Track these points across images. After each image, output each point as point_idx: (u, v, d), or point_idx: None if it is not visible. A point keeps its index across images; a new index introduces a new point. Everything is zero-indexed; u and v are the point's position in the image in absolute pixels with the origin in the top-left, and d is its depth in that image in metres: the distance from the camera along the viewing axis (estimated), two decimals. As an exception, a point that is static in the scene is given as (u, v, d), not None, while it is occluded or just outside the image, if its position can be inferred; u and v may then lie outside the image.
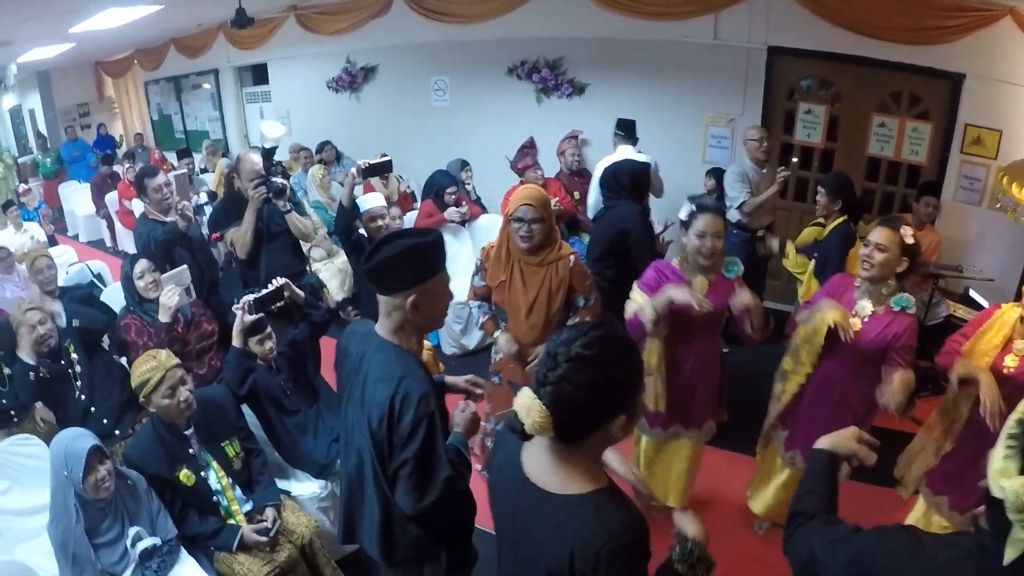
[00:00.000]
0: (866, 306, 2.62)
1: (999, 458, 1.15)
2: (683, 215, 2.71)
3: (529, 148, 5.45)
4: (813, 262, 4.22)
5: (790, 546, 1.49)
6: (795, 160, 4.36)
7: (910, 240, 2.56)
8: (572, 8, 5.24)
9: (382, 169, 3.63)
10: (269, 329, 2.91)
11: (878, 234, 2.55)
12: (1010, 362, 2.47)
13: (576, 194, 5.19)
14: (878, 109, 5.05)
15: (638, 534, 1.28)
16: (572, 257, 2.87)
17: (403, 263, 1.68)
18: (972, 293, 4.59)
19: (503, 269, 2.88)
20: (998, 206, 4.55)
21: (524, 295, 2.87)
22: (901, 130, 5.02)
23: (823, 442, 1.57)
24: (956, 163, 4.94)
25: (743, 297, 2.66)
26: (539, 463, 1.35)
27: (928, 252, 4.55)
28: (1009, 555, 1.14)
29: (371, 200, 3.78)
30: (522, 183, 4.83)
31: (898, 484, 2.82)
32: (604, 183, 3.92)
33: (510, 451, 1.43)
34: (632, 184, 3.78)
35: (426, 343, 3.17)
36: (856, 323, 2.60)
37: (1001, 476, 1.13)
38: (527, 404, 1.25)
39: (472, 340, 4.87)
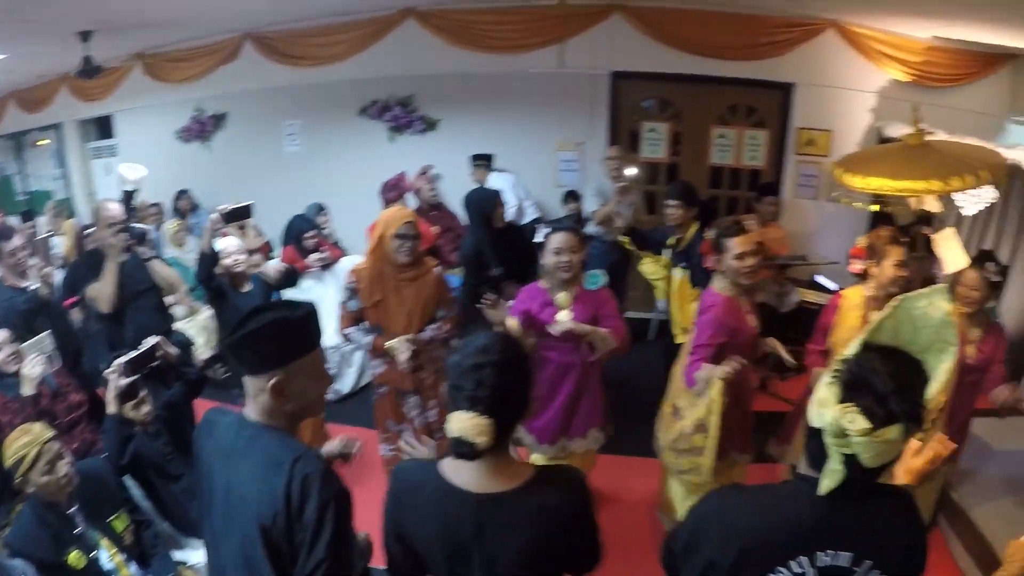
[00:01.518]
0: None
1: (821, 388, 1.31)
2: (540, 237, 2.97)
3: (397, 184, 5.61)
4: (677, 271, 4.61)
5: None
6: (636, 170, 4.72)
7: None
8: (421, 46, 5.48)
9: (243, 214, 3.69)
10: (145, 392, 2.77)
11: (738, 244, 2.79)
12: (970, 351, 2.97)
13: (435, 228, 5.40)
14: (717, 121, 5.59)
15: (579, 477, 1.55)
16: (437, 270, 3.15)
17: (266, 339, 1.50)
18: (819, 278, 5.09)
19: (378, 289, 3.05)
20: (834, 195, 5.12)
21: (402, 310, 3.05)
22: (740, 139, 5.57)
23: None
24: (793, 164, 5.54)
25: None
26: (477, 474, 1.44)
27: (776, 247, 4.96)
28: (825, 485, 1.28)
29: (226, 241, 3.78)
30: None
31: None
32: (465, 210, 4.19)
33: (427, 488, 1.49)
34: (477, 210, 4.03)
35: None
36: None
37: (821, 405, 1.28)
38: (471, 423, 1.33)
39: (347, 383, 4.86)
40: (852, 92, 5.53)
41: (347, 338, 3.19)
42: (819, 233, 5.49)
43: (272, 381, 1.49)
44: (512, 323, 2.82)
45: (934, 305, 1.39)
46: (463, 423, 1.33)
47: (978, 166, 3.44)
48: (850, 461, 1.25)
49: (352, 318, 3.16)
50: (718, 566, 1.34)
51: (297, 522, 1.45)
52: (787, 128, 5.55)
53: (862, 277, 3.53)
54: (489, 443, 1.34)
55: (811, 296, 4.92)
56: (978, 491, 3.56)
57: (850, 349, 1.35)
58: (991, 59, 5.75)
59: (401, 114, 5.72)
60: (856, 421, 1.21)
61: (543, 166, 5.71)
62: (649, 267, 4.77)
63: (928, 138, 3.91)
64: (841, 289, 3.46)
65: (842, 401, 1.25)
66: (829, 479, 1.28)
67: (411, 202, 5.41)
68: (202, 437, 1.66)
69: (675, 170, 5.72)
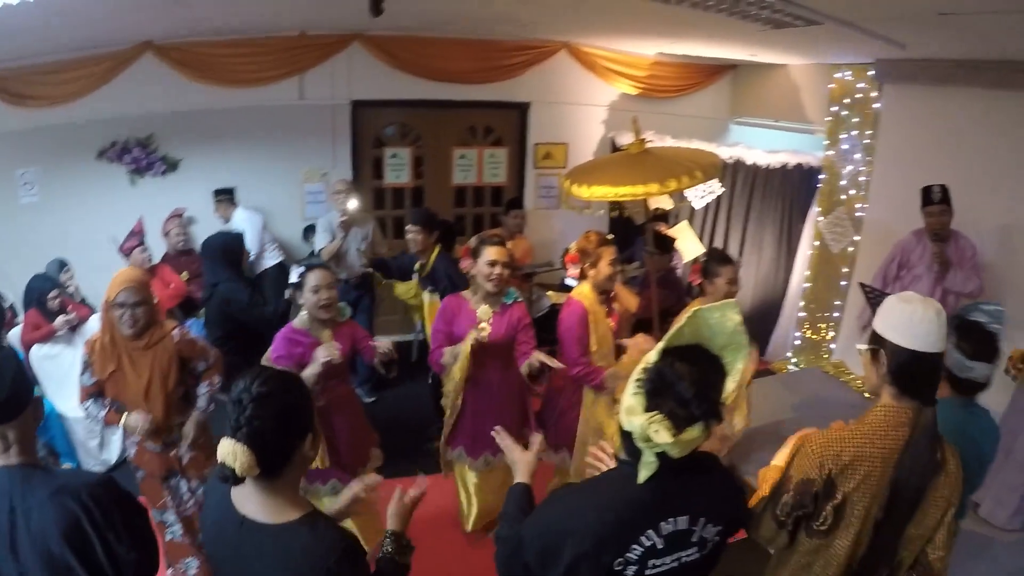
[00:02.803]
0: (487, 310, 3.20)
1: (628, 396, 1.47)
2: (294, 278, 3.02)
3: (137, 231, 5.57)
4: (426, 295, 4.73)
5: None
6: (357, 203, 4.82)
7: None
8: (160, 82, 5.39)
9: None
10: None
11: (496, 252, 3.15)
12: None
13: (185, 274, 5.40)
14: (457, 143, 5.87)
15: (351, 540, 1.54)
16: (176, 332, 2.97)
17: None
18: (568, 281, 5.45)
19: (111, 359, 2.87)
20: (568, 205, 5.54)
21: (137, 381, 2.88)
22: (480, 158, 5.89)
23: (519, 476, 1.92)
24: (532, 177, 5.91)
25: (332, 357, 2.92)
26: (252, 501, 1.52)
27: (522, 257, 5.29)
28: (642, 475, 1.46)
29: None
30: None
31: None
32: (203, 255, 4.17)
33: (221, 499, 1.57)
34: (224, 256, 4.06)
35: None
36: (486, 327, 3.16)
37: (629, 413, 1.44)
38: (231, 450, 1.42)
39: (113, 453, 4.72)
40: (585, 107, 6.03)
41: (87, 412, 3.00)
42: (562, 239, 5.85)
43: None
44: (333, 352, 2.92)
45: (727, 316, 1.53)
46: (224, 448, 1.44)
47: (693, 167, 3.77)
48: (661, 455, 1.44)
49: (89, 392, 2.98)
50: (580, 563, 1.48)
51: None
52: (525, 144, 5.95)
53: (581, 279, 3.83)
54: (248, 470, 1.43)
55: (561, 299, 5.27)
56: (742, 451, 4.00)
57: (651, 356, 1.50)
58: (713, 70, 6.41)
59: (141, 155, 5.54)
60: (660, 432, 1.39)
61: (288, 200, 5.78)
62: (402, 288, 4.97)
63: (649, 145, 4.23)
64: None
65: (648, 409, 1.42)
66: (645, 470, 1.46)
67: (158, 248, 5.40)
68: None
69: (420, 193, 5.93)
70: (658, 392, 1.43)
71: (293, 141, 5.74)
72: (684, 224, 5.62)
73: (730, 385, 1.49)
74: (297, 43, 5.38)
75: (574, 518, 1.51)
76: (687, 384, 1.41)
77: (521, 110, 5.97)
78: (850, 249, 5.56)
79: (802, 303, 5.93)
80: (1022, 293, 4.19)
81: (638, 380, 1.47)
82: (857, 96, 5.38)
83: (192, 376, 3.05)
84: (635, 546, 1.49)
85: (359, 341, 3.23)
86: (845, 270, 5.60)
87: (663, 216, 5.73)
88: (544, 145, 6.00)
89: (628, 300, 4.03)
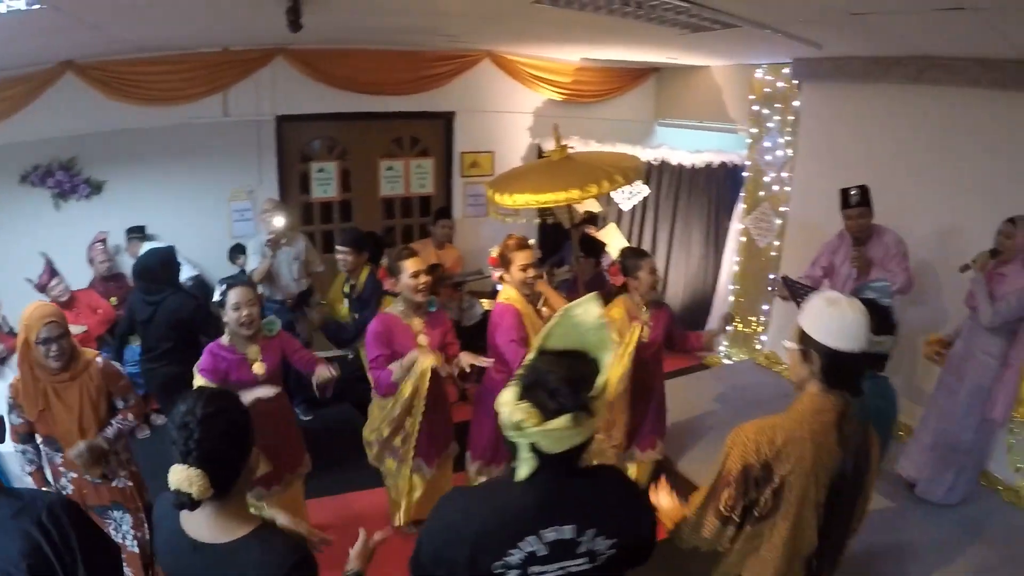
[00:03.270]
0: (420, 322, 3.31)
1: (506, 390, 1.51)
2: (217, 296, 3.08)
3: (47, 269, 5.46)
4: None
5: None
6: (283, 221, 4.79)
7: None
8: (82, 102, 5.29)
9: None
10: None
11: (414, 264, 3.22)
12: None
13: (114, 300, 5.39)
14: (384, 155, 5.94)
15: (304, 548, 1.61)
16: (99, 360, 2.96)
17: None
18: (500, 288, 5.59)
19: (38, 398, 2.82)
20: (493, 213, 5.62)
21: (68, 416, 2.85)
22: (407, 169, 5.98)
23: None
24: (460, 186, 6.00)
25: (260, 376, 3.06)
26: (202, 523, 1.56)
27: (452, 265, 5.41)
28: (521, 473, 1.50)
29: None
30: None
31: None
32: (138, 280, 4.13)
33: (170, 525, 1.60)
34: (165, 271, 4.07)
35: None
36: (423, 337, 3.29)
37: (503, 405, 1.49)
38: (185, 476, 1.46)
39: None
40: (510, 114, 6.14)
41: (24, 454, 2.97)
42: (493, 245, 5.92)
43: None
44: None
45: (588, 311, 1.59)
46: (178, 475, 1.47)
47: (614, 171, 3.92)
48: (536, 449, 1.48)
49: (18, 432, 2.94)
50: (463, 564, 1.52)
51: None
52: (452, 154, 6.05)
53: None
54: (204, 493, 1.47)
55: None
56: (679, 445, 4.34)
57: (530, 356, 1.58)
58: (637, 73, 6.57)
59: (65, 178, 5.45)
60: (519, 413, 1.44)
61: (215, 218, 5.74)
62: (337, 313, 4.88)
63: (572, 151, 4.40)
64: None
65: (520, 399, 1.47)
66: (523, 467, 1.50)
67: (84, 279, 5.37)
68: None
69: (348, 207, 5.97)
70: (530, 385, 1.49)
71: (218, 159, 5.72)
72: (612, 226, 5.77)
73: (602, 380, 1.53)
74: (220, 59, 5.36)
75: (459, 521, 1.56)
76: (555, 376, 1.47)
77: (446, 120, 6.05)
78: (776, 243, 5.74)
79: (732, 298, 6.11)
80: (947, 284, 4.38)
81: (516, 376, 1.54)
82: (777, 95, 5.57)
83: (111, 411, 3.00)
84: (515, 551, 1.52)
85: (291, 353, 3.30)
86: (772, 264, 5.78)
87: (592, 219, 5.88)
88: (470, 154, 6.10)
89: (558, 304, 4.13)
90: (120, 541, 3.05)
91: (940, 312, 4.54)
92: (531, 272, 3.43)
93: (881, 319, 2.49)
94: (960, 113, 4.39)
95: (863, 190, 4.14)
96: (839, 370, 1.82)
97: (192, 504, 1.49)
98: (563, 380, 1.47)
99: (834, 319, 1.80)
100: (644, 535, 1.69)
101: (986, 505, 3.94)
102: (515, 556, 1.52)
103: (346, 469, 4.11)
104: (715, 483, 1.85)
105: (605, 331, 1.60)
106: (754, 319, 5.98)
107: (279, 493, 3.32)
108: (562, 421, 1.43)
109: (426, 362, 3.14)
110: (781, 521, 1.81)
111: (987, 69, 4.09)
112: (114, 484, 3.00)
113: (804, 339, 1.85)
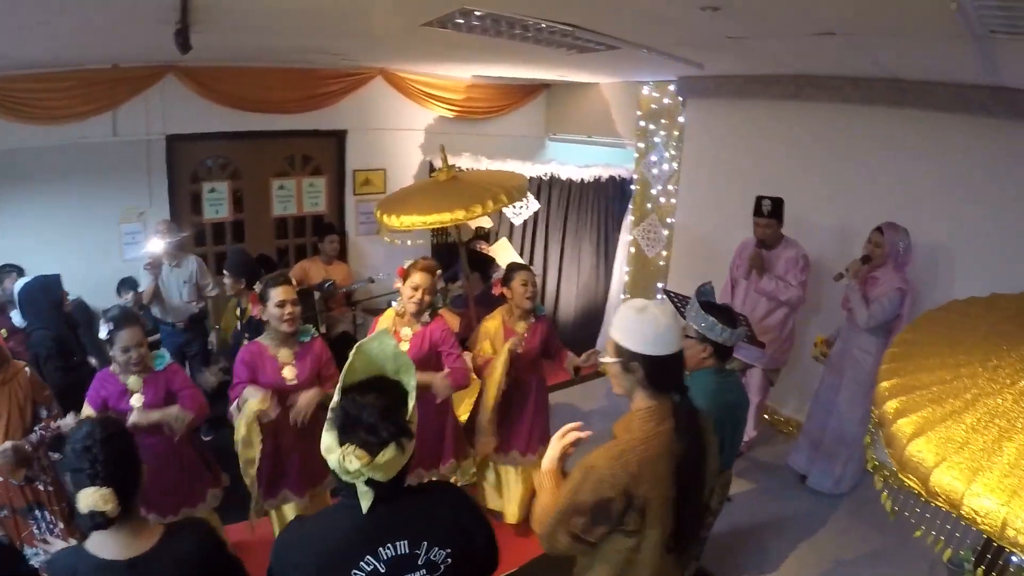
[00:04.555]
0: (288, 353, 3.31)
1: (325, 435, 1.60)
2: (103, 334, 3.05)
3: None
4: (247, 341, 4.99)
5: None
6: (162, 243, 4.82)
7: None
8: None
9: None
10: None
11: (282, 292, 3.21)
12: (519, 344, 3.65)
13: (3, 331, 5.45)
14: (276, 174, 6.07)
15: (212, 532, 1.85)
16: (27, 368, 3.13)
17: None
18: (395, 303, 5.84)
19: None
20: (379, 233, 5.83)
21: None
22: (299, 188, 6.12)
23: None
24: (353, 204, 6.20)
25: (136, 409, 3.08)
26: (120, 543, 1.72)
27: (342, 280, 5.54)
28: (365, 506, 1.60)
29: None
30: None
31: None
32: (22, 308, 4.22)
33: (86, 569, 1.71)
34: (49, 300, 4.17)
35: None
36: (290, 370, 3.28)
37: (327, 452, 1.58)
38: (97, 496, 1.61)
39: None
40: (402, 132, 6.38)
41: None
42: (388, 263, 6.13)
43: None
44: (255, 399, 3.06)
45: (383, 343, 1.71)
46: (90, 497, 1.61)
47: (498, 191, 4.13)
48: (370, 482, 1.58)
49: None
50: None
51: None
52: (344, 172, 6.24)
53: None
54: (116, 509, 1.63)
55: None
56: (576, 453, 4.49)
57: (335, 397, 1.64)
58: (528, 90, 6.91)
59: None
60: (353, 459, 1.52)
61: (109, 241, 5.71)
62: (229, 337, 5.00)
63: (460, 171, 4.60)
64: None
65: (341, 443, 1.55)
66: (365, 500, 1.60)
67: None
68: None
69: (241, 228, 6.05)
70: (346, 426, 1.57)
71: (108, 180, 5.67)
72: (503, 241, 6.12)
73: (411, 403, 1.66)
74: (109, 77, 5.30)
75: (297, 549, 1.66)
76: (369, 411, 1.57)
77: (339, 138, 6.22)
78: (664, 253, 6.14)
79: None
80: (814, 282, 4.77)
81: (328, 420, 1.61)
82: (663, 111, 5.96)
83: (35, 419, 3.12)
84: (356, 571, 1.62)
85: (178, 390, 3.22)
86: (661, 274, 6.19)
87: (484, 235, 6.22)
88: (363, 172, 6.31)
89: (450, 320, 4.36)
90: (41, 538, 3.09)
91: (819, 314, 4.97)
92: (415, 296, 3.52)
93: (725, 313, 2.80)
94: (835, 127, 4.84)
95: (776, 202, 4.48)
96: (662, 374, 1.89)
97: (107, 522, 1.65)
98: (379, 413, 1.57)
99: (648, 327, 1.86)
100: (479, 544, 1.80)
101: (876, 493, 4.37)
102: None
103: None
104: (566, 507, 1.87)
105: (404, 357, 1.74)
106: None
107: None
108: (391, 452, 1.55)
109: (253, 405, 3.09)
110: (651, 529, 1.89)
111: (858, 87, 4.54)
112: (36, 485, 3.11)
113: (621, 351, 1.91)
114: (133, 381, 3.09)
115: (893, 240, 4.02)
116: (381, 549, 1.63)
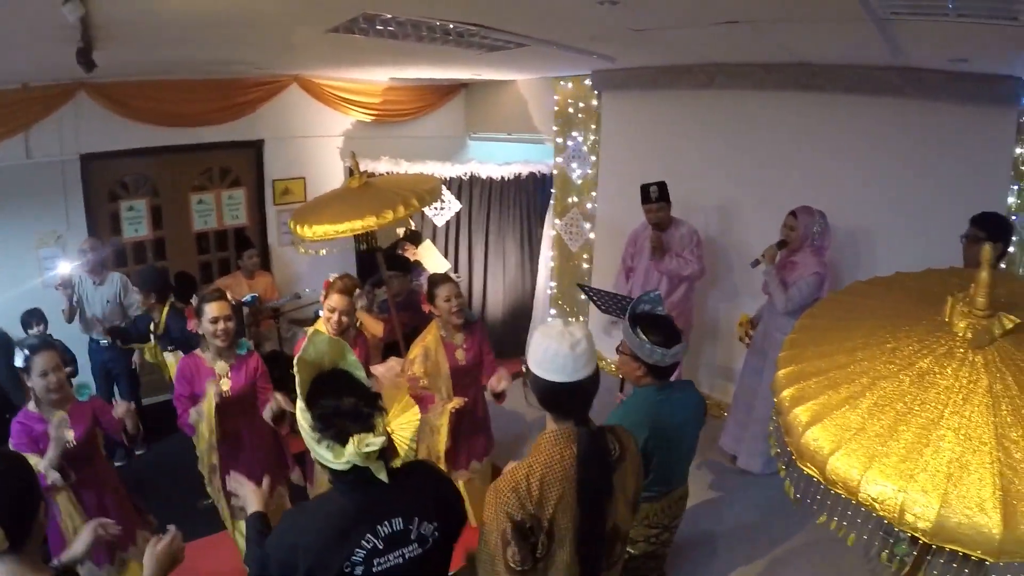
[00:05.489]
0: (224, 365, 3.46)
1: (318, 452, 1.73)
2: (19, 362, 3.04)
3: None
4: (168, 355, 4.91)
5: None
6: (70, 265, 4.85)
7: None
8: None
9: None
10: None
11: (216, 308, 3.35)
12: (460, 355, 3.78)
13: None
14: (195, 188, 6.08)
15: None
16: None
17: None
18: (319, 313, 5.99)
19: None
20: (293, 243, 5.79)
21: None
22: (219, 201, 6.16)
23: (251, 507, 2.15)
24: (274, 215, 6.27)
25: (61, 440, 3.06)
26: None
27: (265, 293, 5.67)
28: (384, 476, 1.75)
29: None
30: None
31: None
32: None
33: None
34: None
35: None
36: (225, 382, 3.42)
37: (337, 458, 1.71)
38: None
39: None
40: (320, 139, 6.47)
41: None
42: (312, 273, 6.28)
43: None
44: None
45: (315, 343, 1.83)
46: None
47: (410, 195, 4.21)
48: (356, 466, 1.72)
49: None
50: (313, 570, 1.74)
51: None
52: (263, 182, 6.31)
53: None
54: (3, 545, 1.65)
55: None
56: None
57: (300, 413, 1.77)
58: (446, 90, 7.07)
59: None
60: (370, 443, 1.68)
61: (26, 266, 5.61)
62: (148, 354, 5.11)
63: (370, 178, 4.66)
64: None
65: (344, 442, 1.69)
66: (383, 473, 1.75)
67: None
68: None
69: (162, 245, 6.05)
70: (328, 426, 1.72)
71: (23, 204, 5.58)
72: (427, 243, 6.30)
73: (361, 374, 1.86)
74: (19, 97, 5.23)
75: (302, 533, 1.78)
76: (343, 402, 1.73)
77: (256, 148, 6.27)
78: (587, 245, 6.36)
79: (551, 302, 6.74)
80: (740, 265, 5.00)
81: (314, 437, 1.74)
82: (580, 104, 6.17)
83: None
84: (358, 550, 1.76)
85: (101, 416, 3.26)
86: (586, 266, 6.40)
87: (413, 237, 6.39)
88: (282, 181, 6.37)
89: (373, 327, 4.51)
90: None
91: (735, 294, 5.22)
92: (332, 318, 3.64)
93: (667, 329, 2.69)
94: (749, 113, 5.07)
95: (660, 186, 4.67)
96: (556, 401, 1.93)
97: None
98: (351, 401, 1.75)
99: (547, 352, 1.89)
100: (458, 514, 2.01)
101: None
102: (358, 555, 1.77)
103: (178, 512, 3.60)
104: (494, 543, 1.91)
105: (337, 342, 1.88)
106: (574, 320, 6.60)
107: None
108: (381, 418, 1.76)
109: (210, 391, 3.32)
110: (560, 553, 1.94)
111: (770, 73, 4.74)
112: None
113: (528, 371, 1.96)
114: (58, 415, 3.06)
115: (807, 223, 4.14)
116: (379, 527, 1.79)
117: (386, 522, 1.81)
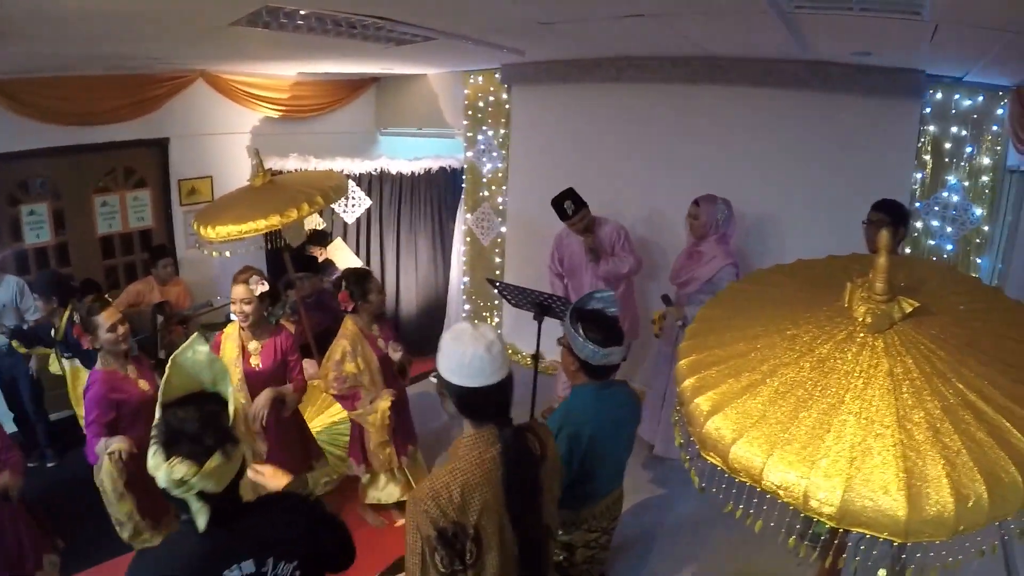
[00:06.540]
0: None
1: (150, 455, 1.63)
2: None
3: None
4: (66, 362, 4.89)
5: None
6: None
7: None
8: None
9: None
10: None
11: (108, 316, 3.30)
12: (255, 361, 3.78)
13: None
14: (98, 190, 5.97)
15: None
16: None
17: None
18: (232, 317, 6.12)
19: None
20: (198, 246, 5.88)
21: None
22: (123, 203, 6.09)
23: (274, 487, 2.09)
24: (181, 216, 6.24)
25: None
26: None
27: (178, 300, 5.68)
28: (201, 522, 1.63)
29: None
30: None
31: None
32: None
33: None
34: None
35: None
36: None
37: (155, 470, 1.61)
38: None
39: None
40: (227, 136, 6.45)
41: None
42: (225, 276, 6.34)
43: None
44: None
45: (196, 352, 1.79)
46: None
47: (314, 193, 4.27)
48: (203, 495, 1.62)
49: None
50: None
51: None
52: (168, 183, 6.26)
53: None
54: None
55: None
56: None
57: (156, 413, 1.70)
58: (356, 85, 7.14)
59: None
60: (179, 469, 1.57)
61: None
62: (55, 365, 5.04)
63: (274, 176, 4.71)
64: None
65: (167, 458, 1.59)
66: (200, 518, 1.62)
67: None
68: None
69: (65, 251, 5.90)
70: (171, 441, 1.62)
71: None
72: (338, 241, 6.47)
73: (231, 408, 1.77)
74: None
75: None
76: (191, 423, 1.64)
77: (161, 146, 6.19)
78: (499, 240, 6.61)
79: (464, 297, 6.99)
80: (659, 259, 5.23)
81: (152, 438, 1.65)
82: (489, 98, 6.32)
83: None
84: None
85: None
86: (498, 260, 6.61)
87: (320, 237, 6.54)
88: (188, 180, 6.32)
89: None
90: None
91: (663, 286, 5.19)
92: (235, 309, 3.73)
93: (609, 330, 2.66)
94: (658, 107, 5.29)
95: (572, 197, 4.64)
96: (472, 406, 1.94)
97: None
98: (200, 423, 1.65)
99: (456, 357, 1.89)
100: (327, 549, 1.89)
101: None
102: None
103: (95, 532, 3.72)
104: (419, 549, 1.91)
105: (219, 363, 1.85)
106: (488, 315, 6.89)
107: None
108: (217, 459, 1.62)
109: (117, 447, 3.20)
110: (490, 559, 1.95)
111: (678, 66, 4.96)
112: None
113: (439, 376, 1.97)
114: None
115: (711, 212, 4.27)
116: (227, 572, 1.68)
117: (236, 566, 1.71)
